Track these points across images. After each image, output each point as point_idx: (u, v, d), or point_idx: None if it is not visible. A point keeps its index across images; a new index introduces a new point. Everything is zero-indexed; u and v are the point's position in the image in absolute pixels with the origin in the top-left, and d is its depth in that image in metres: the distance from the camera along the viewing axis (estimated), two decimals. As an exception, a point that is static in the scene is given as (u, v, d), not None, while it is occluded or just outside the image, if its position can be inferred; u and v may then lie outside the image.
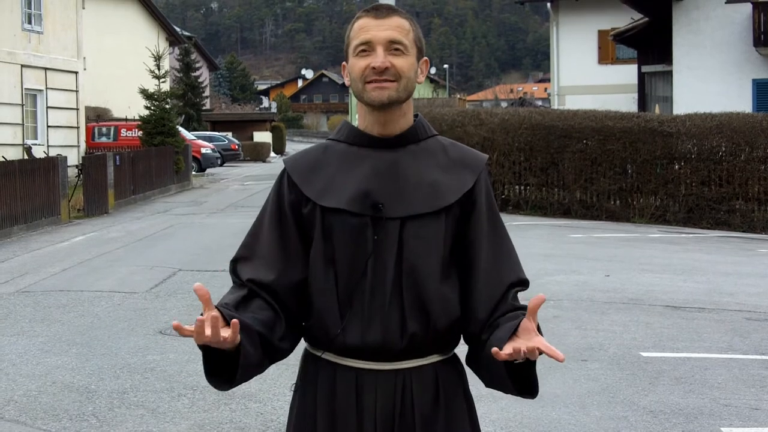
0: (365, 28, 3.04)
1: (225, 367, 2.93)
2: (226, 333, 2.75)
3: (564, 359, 2.71)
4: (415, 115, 3.19)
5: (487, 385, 3.06)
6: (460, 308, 3.09)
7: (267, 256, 3.11)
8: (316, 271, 3.08)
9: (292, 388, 3.21)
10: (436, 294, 3.01)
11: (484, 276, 3.06)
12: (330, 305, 3.03)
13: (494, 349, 2.76)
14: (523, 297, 3.12)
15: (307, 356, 3.15)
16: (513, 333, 2.84)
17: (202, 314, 2.75)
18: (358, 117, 3.19)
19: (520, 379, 2.95)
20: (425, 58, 3.16)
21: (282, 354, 3.09)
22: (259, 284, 3.07)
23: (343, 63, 3.16)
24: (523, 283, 3.12)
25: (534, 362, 2.88)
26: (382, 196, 3.02)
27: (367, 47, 3.03)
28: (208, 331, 2.70)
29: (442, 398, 3.05)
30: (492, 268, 3.07)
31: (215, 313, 2.75)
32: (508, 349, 2.76)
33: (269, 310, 3.05)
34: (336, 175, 3.09)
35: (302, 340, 3.18)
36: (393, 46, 3.02)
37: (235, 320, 2.77)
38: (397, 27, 3.05)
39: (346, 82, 3.14)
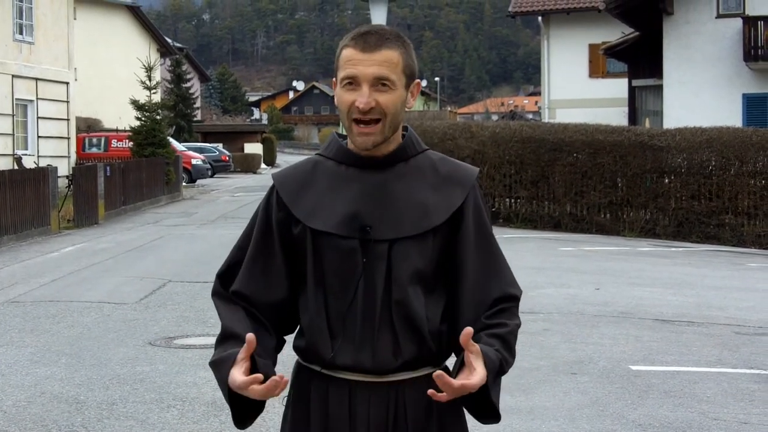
0: (352, 61, 2.99)
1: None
2: (278, 390, 2.87)
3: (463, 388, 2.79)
4: (405, 129, 3.17)
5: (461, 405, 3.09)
6: (448, 325, 3.10)
7: (250, 274, 3.14)
8: (307, 292, 3.08)
9: (282, 402, 3.21)
10: (426, 315, 3.01)
11: (468, 294, 3.05)
12: (320, 328, 3.03)
13: (430, 391, 2.86)
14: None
15: (299, 369, 3.15)
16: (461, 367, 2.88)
17: (234, 357, 2.93)
18: (348, 135, 3.16)
19: (476, 406, 2.99)
20: (417, 80, 3.12)
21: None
22: (242, 297, 3.12)
23: (333, 80, 3.14)
24: (511, 299, 3.08)
25: (486, 391, 2.90)
26: (370, 218, 3.01)
27: (353, 82, 2.98)
28: (265, 391, 2.86)
29: (435, 409, 3.04)
30: (476, 286, 3.05)
31: (246, 367, 2.91)
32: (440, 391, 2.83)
33: (265, 332, 3.11)
34: (324, 196, 3.08)
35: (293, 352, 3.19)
36: (379, 83, 2.97)
37: (285, 380, 2.87)
38: (385, 62, 2.98)
39: (336, 102, 3.12)
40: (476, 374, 2.81)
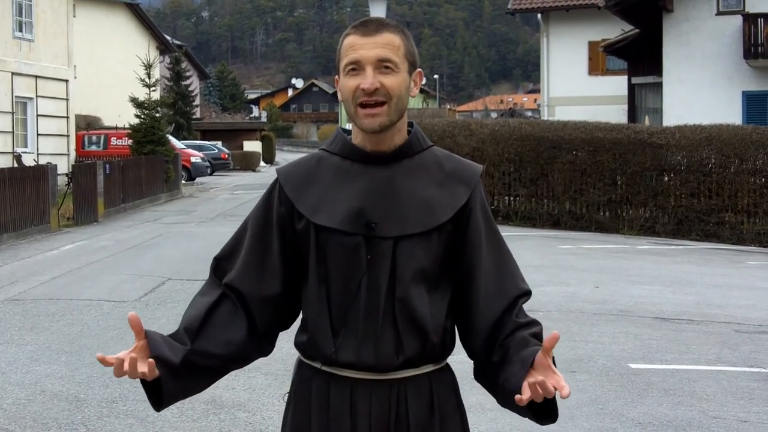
0: (354, 46, 3.00)
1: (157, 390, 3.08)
2: (143, 368, 2.90)
3: (569, 395, 2.74)
4: (411, 125, 3.16)
5: (502, 405, 3.06)
6: (454, 323, 3.12)
7: (245, 265, 3.14)
8: (309, 288, 3.08)
9: (284, 399, 3.21)
10: (429, 312, 3.00)
11: (484, 292, 3.05)
12: (323, 324, 3.03)
13: (517, 397, 2.79)
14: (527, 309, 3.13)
15: (300, 365, 3.15)
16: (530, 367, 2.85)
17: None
18: (352, 130, 3.14)
19: (538, 406, 2.95)
20: (418, 69, 3.12)
21: (249, 360, 3.22)
22: (234, 290, 3.12)
23: (336, 77, 3.13)
24: (526, 294, 3.10)
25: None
26: (375, 215, 3.00)
27: (357, 66, 2.98)
28: (125, 368, 2.88)
29: (436, 406, 3.05)
30: (492, 283, 3.06)
31: (140, 346, 2.95)
32: (526, 393, 2.78)
33: (239, 320, 3.12)
34: (329, 192, 3.07)
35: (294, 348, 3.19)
36: (382, 65, 2.98)
37: (151, 360, 2.91)
38: (387, 44, 3.00)
39: (340, 98, 3.10)
40: (562, 378, 2.80)
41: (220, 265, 3.19)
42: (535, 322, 3.03)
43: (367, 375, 3.00)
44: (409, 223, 3.01)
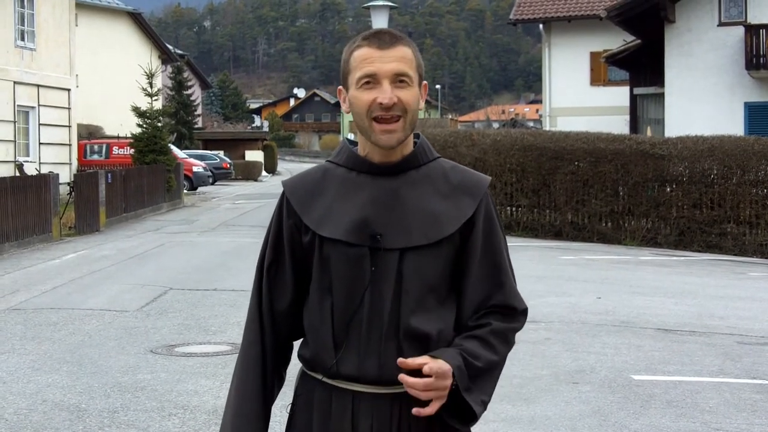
0: (369, 59, 2.97)
1: None
2: None
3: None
4: (417, 136, 3.14)
5: None
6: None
7: (267, 280, 3.16)
8: (313, 300, 3.07)
9: (287, 410, 3.20)
10: (434, 326, 2.99)
11: (469, 306, 3.05)
12: (325, 336, 3.02)
13: (414, 410, 2.94)
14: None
15: (302, 377, 3.14)
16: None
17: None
18: (358, 141, 3.13)
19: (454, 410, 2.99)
20: (424, 82, 3.11)
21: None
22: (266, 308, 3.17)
23: (339, 87, 3.12)
24: (509, 309, 3.08)
25: (456, 387, 2.92)
26: (381, 226, 2.98)
27: (372, 80, 2.96)
28: None
29: (438, 423, 3.01)
30: (477, 297, 3.05)
31: None
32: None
33: (271, 372, 3.22)
34: (334, 203, 3.05)
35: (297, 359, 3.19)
36: (398, 79, 2.96)
37: None
38: (403, 58, 2.98)
39: (344, 109, 3.09)
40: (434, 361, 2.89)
41: (266, 275, 3.18)
42: (483, 324, 3.04)
43: (368, 388, 2.98)
44: (415, 234, 2.99)
